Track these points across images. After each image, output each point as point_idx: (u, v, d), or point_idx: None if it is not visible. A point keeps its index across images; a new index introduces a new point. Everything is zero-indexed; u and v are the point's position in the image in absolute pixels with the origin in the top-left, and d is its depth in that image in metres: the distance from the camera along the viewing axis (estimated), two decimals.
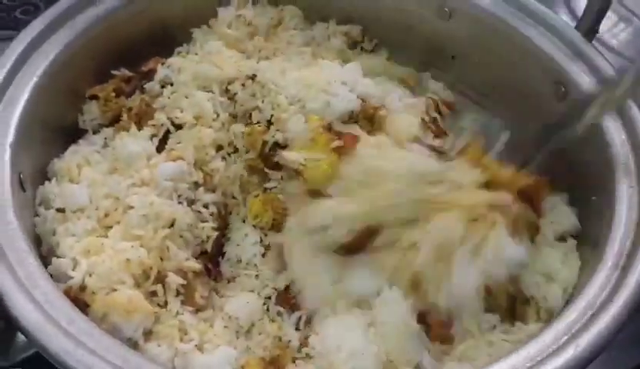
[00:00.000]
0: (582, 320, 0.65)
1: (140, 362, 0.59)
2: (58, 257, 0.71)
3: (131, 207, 0.77)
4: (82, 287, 0.68)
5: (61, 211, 0.75)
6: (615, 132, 0.82)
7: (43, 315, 0.60)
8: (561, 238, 0.84)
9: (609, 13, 1.05)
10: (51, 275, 0.68)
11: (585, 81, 0.88)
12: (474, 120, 1.02)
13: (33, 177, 0.78)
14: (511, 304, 0.77)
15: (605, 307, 0.65)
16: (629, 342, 0.88)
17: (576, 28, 0.92)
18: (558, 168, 0.92)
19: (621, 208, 0.75)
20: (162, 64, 0.92)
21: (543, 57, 0.92)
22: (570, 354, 0.62)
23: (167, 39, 0.98)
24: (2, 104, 0.76)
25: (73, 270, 0.69)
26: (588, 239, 0.80)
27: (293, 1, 1.04)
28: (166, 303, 0.72)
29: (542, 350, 0.63)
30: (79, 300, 0.67)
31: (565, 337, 0.63)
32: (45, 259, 0.72)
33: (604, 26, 1.12)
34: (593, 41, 0.92)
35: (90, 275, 0.69)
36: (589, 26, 0.91)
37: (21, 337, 0.60)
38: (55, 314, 0.60)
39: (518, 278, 0.77)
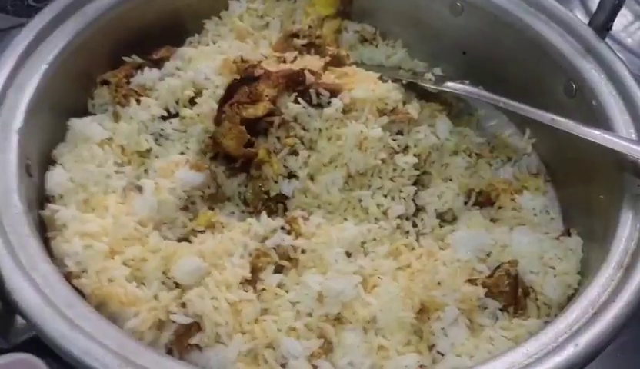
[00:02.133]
0: (583, 319, 0.64)
1: (136, 347, 0.59)
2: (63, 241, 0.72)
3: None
4: (78, 275, 0.68)
5: (60, 196, 0.76)
6: (623, 129, 0.81)
7: (42, 299, 0.60)
8: (567, 233, 0.84)
9: (624, 11, 1.04)
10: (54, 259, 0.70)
11: (595, 77, 0.87)
12: (484, 115, 1.02)
13: (40, 162, 0.79)
14: (513, 291, 0.76)
15: (606, 307, 0.65)
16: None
17: (589, 25, 0.91)
18: (567, 165, 0.92)
19: (627, 209, 0.74)
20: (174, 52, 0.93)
21: (554, 53, 0.91)
22: (570, 352, 0.61)
23: (178, 29, 0.98)
24: (12, 89, 0.77)
25: (74, 255, 0.70)
26: (595, 237, 0.80)
27: None
28: None
29: (541, 348, 0.63)
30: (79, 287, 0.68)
31: (565, 335, 0.63)
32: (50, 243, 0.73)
33: (619, 25, 1.12)
34: (607, 39, 0.91)
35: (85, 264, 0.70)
36: (602, 23, 0.90)
37: (20, 319, 0.60)
38: (53, 298, 0.61)
39: (517, 266, 0.78)
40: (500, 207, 0.89)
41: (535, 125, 0.92)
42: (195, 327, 0.70)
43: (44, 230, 0.75)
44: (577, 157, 0.88)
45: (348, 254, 0.78)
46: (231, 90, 0.84)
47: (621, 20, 0.98)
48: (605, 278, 0.68)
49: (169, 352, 0.69)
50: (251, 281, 0.74)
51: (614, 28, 1.14)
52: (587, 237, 0.82)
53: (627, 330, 0.64)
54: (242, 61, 0.88)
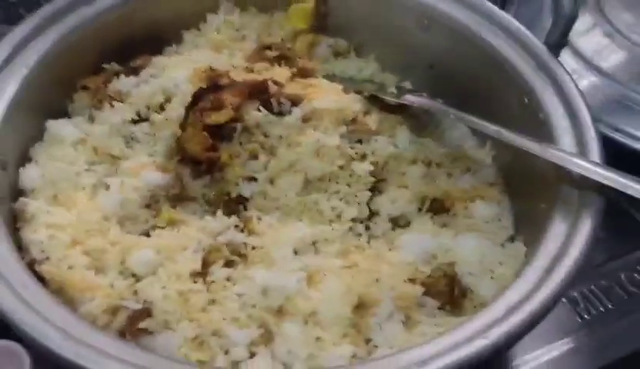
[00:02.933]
0: (498, 315, 0.68)
1: (81, 326, 0.65)
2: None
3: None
4: (41, 262, 0.75)
5: (31, 191, 0.83)
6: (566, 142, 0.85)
7: None
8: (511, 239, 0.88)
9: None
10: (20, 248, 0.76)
11: (544, 91, 0.91)
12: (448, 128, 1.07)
13: (17, 159, 0.86)
14: (450, 291, 0.80)
15: (521, 306, 0.69)
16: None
17: (544, 42, 0.96)
18: (521, 177, 0.96)
19: (558, 216, 0.78)
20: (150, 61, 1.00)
21: (510, 68, 0.96)
22: (480, 344, 0.65)
23: (159, 39, 1.05)
24: None
25: (39, 244, 0.77)
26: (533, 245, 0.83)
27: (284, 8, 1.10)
28: None
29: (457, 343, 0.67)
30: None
31: (478, 330, 0.67)
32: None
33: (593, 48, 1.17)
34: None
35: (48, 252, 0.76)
36: (556, 40, 0.94)
37: None
38: (8, 276, 0.67)
39: (455, 267, 0.82)
40: (454, 215, 0.94)
41: (496, 140, 0.97)
42: (146, 312, 0.76)
43: (15, 222, 0.82)
44: (528, 169, 0.92)
45: (296, 252, 0.83)
46: (196, 97, 0.90)
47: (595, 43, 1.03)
48: (526, 279, 0.72)
49: (121, 336, 0.75)
50: (202, 274, 0.80)
51: (588, 53, 1.21)
52: (529, 244, 0.86)
53: None
54: (211, 70, 0.95)
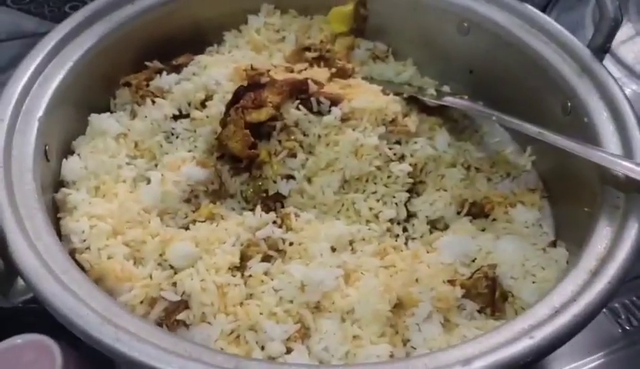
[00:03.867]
0: (544, 316, 0.67)
1: (119, 311, 0.65)
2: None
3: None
4: (82, 251, 0.75)
5: (73, 182, 0.84)
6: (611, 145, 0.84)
7: (40, 263, 0.67)
8: (553, 244, 0.87)
9: None
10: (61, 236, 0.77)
11: (589, 96, 0.89)
12: (487, 132, 1.06)
13: (60, 150, 0.87)
14: (491, 294, 0.79)
15: (567, 307, 0.67)
16: None
17: (587, 46, 0.94)
18: (563, 183, 0.94)
19: (603, 219, 0.77)
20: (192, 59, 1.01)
21: (553, 72, 0.95)
22: (526, 343, 0.64)
23: (200, 39, 1.06)
24: (39, 82, 0.85)
25: (80, 233, 0.77)
26: (577, 248, 0.81)
27: (323, 11, 1.11)
28: None
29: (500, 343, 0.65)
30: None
31: (523, 330, 0.65)
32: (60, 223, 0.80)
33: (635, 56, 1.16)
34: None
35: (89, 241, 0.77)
36: (599, 45, 0.93)
37: (21, 281, 0.67)
38: (51, 263, 0.68)
39: (495, 269, 0.81)
40: (494, 220, 0.92)
41: (536, 144, 0.96)
42: (184, 305, 0.75)
43: (57, 212, 0.83)
44: (570, 173, 0.91)
45: (334, 250, 0.83)
46: (237, 95, 0.90)
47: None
48: (572, 282, 0.70)
49: (158, 327, 0.75)
50: (240, 268, 0.79)
51: (630, 61, 1.19)
52: (573, 249, 0.84)
53: None
54: (252, 69, 0.95)
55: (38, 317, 0.69)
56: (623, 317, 0.97)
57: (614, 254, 0.72)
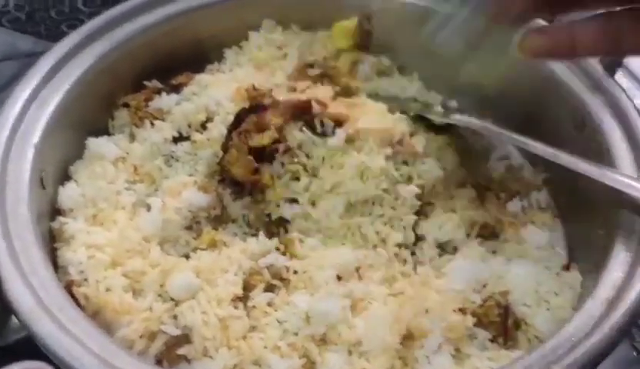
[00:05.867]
0: (560, 349, 0.64)
1: (116, 350, 0.63)
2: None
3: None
4: (79, 284, 0.73)
5: (70, 210, 0.81)
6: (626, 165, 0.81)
7: (35, 300, 0.64)
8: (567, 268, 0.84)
9: None
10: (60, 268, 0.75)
11: (601, 113, 0.87)
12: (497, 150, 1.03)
13: (57, 176, 0.85)
14: (503, 322, 0.76)
15: (586, 340, 0.64)
16: None
17: (599, 62, 0.92)
18: (575, 202, 0.92)
19: (620, 244, 0.74)
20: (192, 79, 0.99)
21: (565, 89, 0.92)
22: None
23: (201, 57, 1.04)
24: (34, 105, 0.83)
25: (77, 264, 0.75)
26: (592, 273, 0.79)
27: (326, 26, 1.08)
28: None
29: None
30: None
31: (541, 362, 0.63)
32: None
33: None
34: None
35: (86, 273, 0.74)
36: (611, 60, 0.90)
37: (15, 320, 0.65)
38: (46, 300, 0.65)
39: (508, 296, 0.78)
40: (504, 240, 0.90)
41: (547, 161, 0.93)
42: (184, 339, 0.73)
43: (53, 241, 0.80)
44: (583, 193, 0.88)
45: (339, 278, 0.80)
46: (239, 118, 0.88)
47: None
48: (588, 312, 0.68)
49: (159, 363, 0.72)
50: (243, 298, 0.77)
51: None
52: (586, 273, 0.81)
53: None
54: (254, 89, 0.92)
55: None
56: (638, 339, 0.94)
57: (632, 281, 0.70)
